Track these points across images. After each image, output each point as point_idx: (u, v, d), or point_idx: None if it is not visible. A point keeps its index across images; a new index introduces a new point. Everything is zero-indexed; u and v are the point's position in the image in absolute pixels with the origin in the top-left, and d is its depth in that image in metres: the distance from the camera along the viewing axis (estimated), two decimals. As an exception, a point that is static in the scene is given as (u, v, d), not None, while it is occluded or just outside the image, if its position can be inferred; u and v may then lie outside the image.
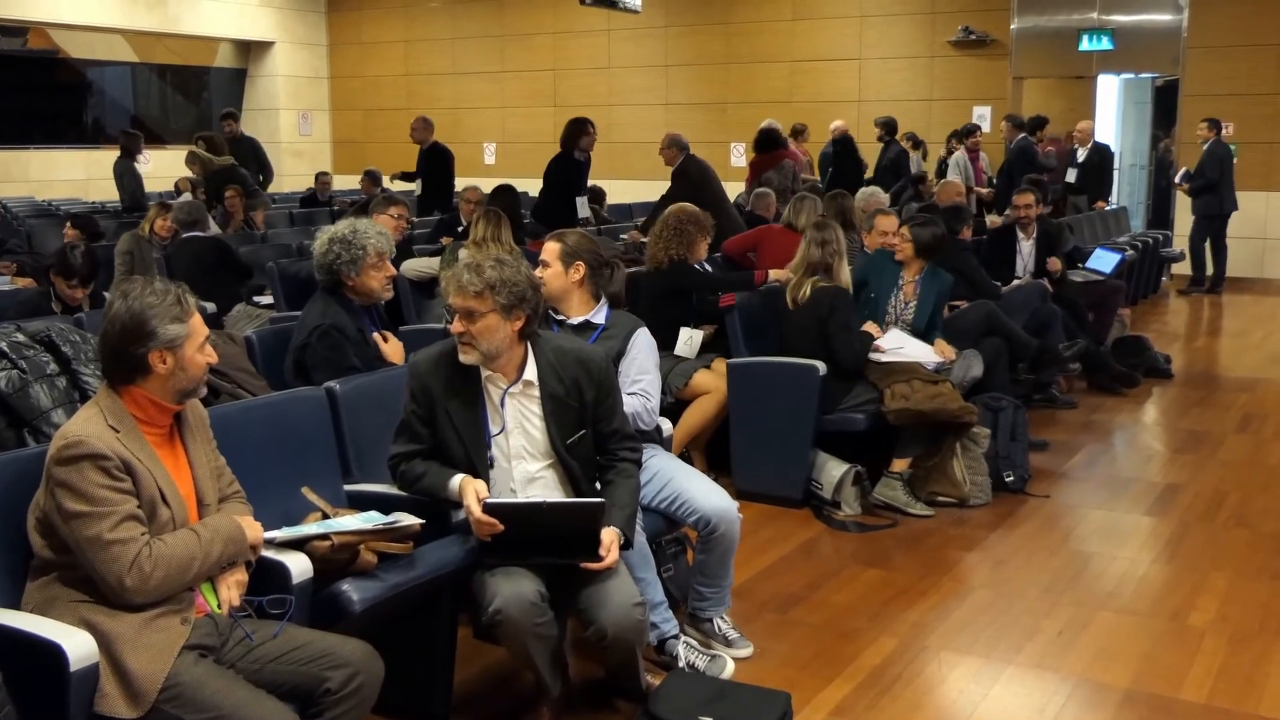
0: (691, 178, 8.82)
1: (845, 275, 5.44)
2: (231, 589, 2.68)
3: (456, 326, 3.17)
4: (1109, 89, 15.78)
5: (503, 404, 3.25)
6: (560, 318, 3.81)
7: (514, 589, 3.00)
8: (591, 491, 3.31)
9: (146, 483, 2.55)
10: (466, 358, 3.18)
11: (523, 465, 3.27)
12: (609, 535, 3.13)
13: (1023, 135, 11.73)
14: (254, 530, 2.74)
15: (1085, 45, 13.50)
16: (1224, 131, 12.10)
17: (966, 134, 12.21)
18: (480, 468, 3.22)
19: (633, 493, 3.34)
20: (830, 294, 5.28)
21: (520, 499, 3.21)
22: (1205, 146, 11.83)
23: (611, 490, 3.29)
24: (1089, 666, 3.77)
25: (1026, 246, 7.75)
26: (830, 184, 10.21)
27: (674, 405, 5.46)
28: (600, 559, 3.10)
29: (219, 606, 2.66)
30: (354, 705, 2.62)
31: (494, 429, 3.25)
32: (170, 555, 2.50)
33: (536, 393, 3.25)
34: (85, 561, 2.46)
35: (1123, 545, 4.90)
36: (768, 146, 10.34)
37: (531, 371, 3.25)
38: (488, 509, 3.04)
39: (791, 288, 5.39)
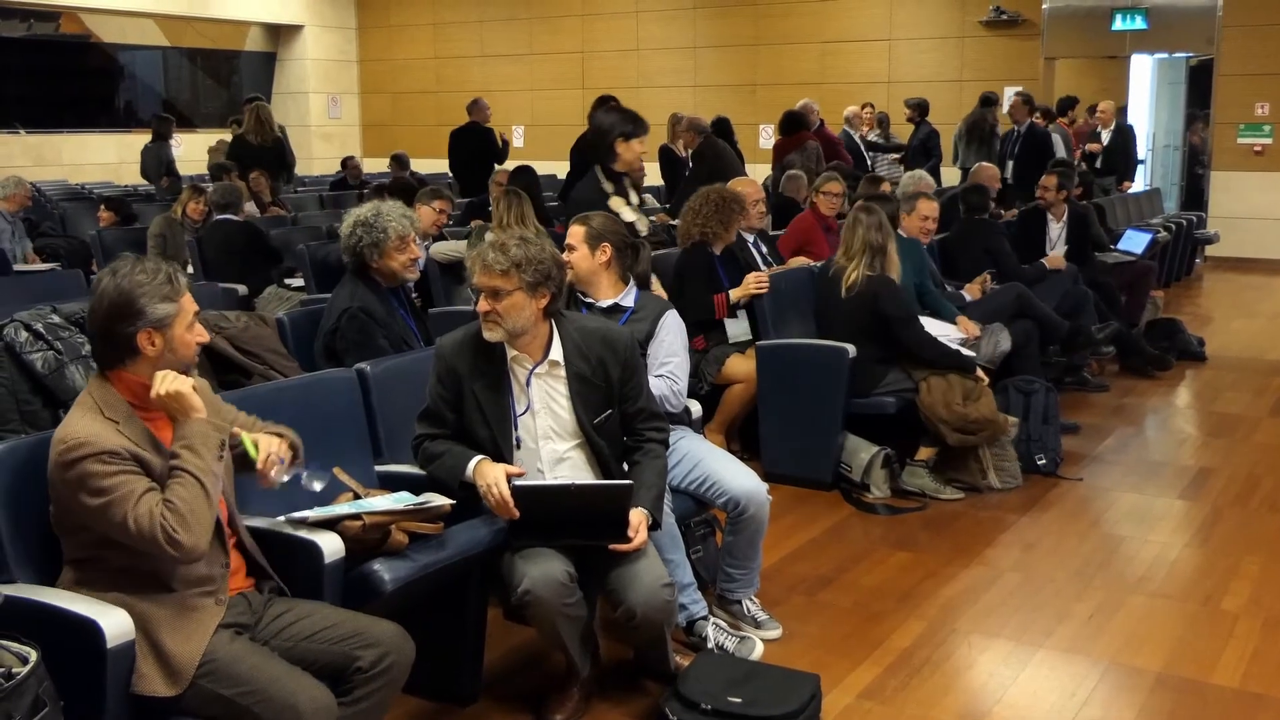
0: (708, 160, 8.81)
1: (895, 257, 5.36)
2: (272, 444, 2.71)
3: (482, 305, 3.16)
4: (1142, 69, 15.60)
5: (529, 384, 3.25)
6: (589, 300, 3.81)
7: (543, 570, 3.02)
8: (619, 471, 3.31)
9: (159, 477, 2.50)
10: (491, 335, 3.18)
11: (550, 445, 3.27)
12: (637, 516, 3.14)
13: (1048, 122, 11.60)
14: (171, 380, 2.52)
15: (1118, 25, 13.33)
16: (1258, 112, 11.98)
17: (1066, 108, 12.27)
18: (505, 449, 3.22)
19: (660, 473, 3.34)
20: (881, 284, 5.22)
21: (547, 481, 3.22)
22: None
23: (639, 471, 3.29)
24: (1120, 650, 3.76)
25: (1056, 229, 7.69)
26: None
27: (710, 392, 5.45)
28: (628, 540, 3.11)
29: (259, 460, 2.68)
30: (384, 684, 2.64)
31: (519, 409, 3.25)
32: (179, 505, 2.43)
33: (562, 372, 3.25)
34: (124, 540, 2.44)
35: (1154, 529, 4.86)
36: (791, 129, 10.30)
37: (557, 351, 3.25)
38: (515, 492, 3.04)
39: (845, 274, 5.29)
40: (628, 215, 4.76)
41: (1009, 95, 12.99)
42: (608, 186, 4.69)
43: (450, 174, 11.56)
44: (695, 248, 5.48)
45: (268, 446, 2.70)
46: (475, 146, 10.85)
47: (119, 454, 2.43)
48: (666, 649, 3.39)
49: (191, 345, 2.62)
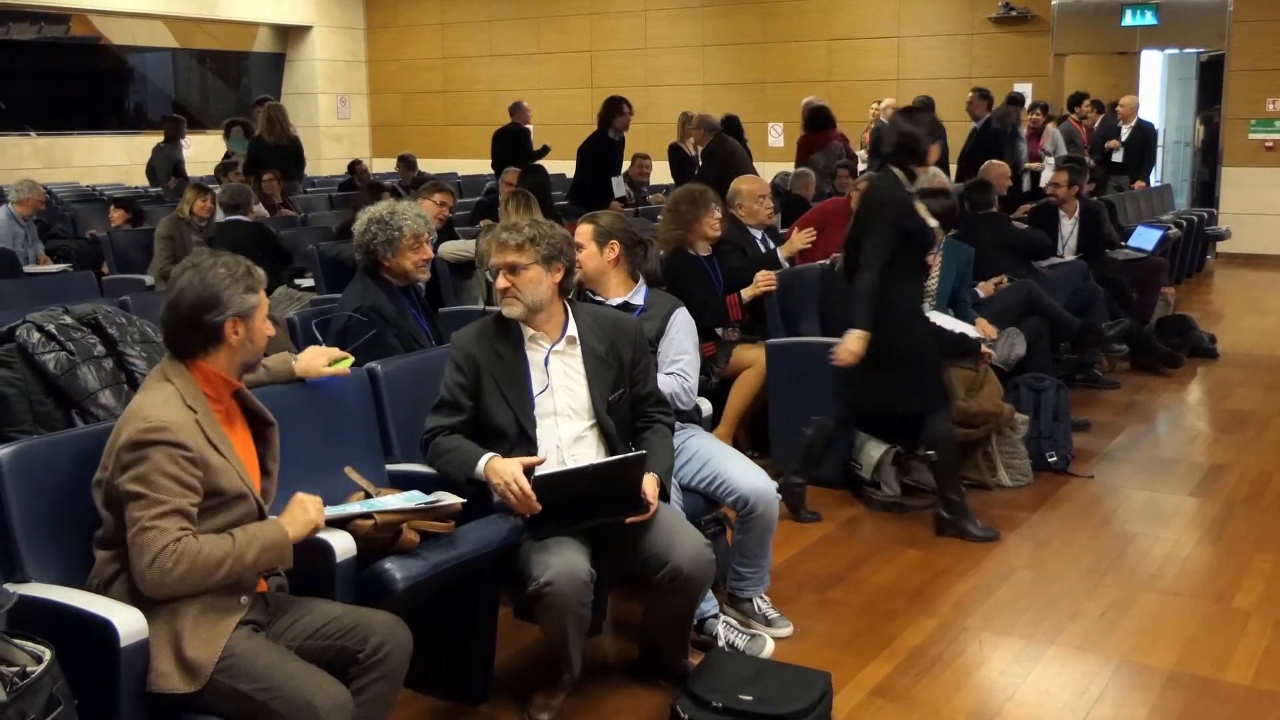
0: (718, 158, 8.81)
1: None
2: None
3: (501, 283, 3.27)
4: (1153, 65, 15.55)
5: (547, 363, 3.32)
6: (598, 299, 3.81)
7: (566, 564, 3.02)
8: (627, 451, 3.33)
9: (227, 476, 2.56)
10: (511, 311, 3.28)
11: (569, 424, 3.31)
12: (650, 482, 3.18)
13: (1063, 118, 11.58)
14: (311, 510, 2.69)
15: (1128, 20, 13.30)
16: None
17: (1074, 104, 12.24)
18: (528, 428, 3.26)
19: (669, 450, 3.42)
20: None
21: (566, 466, 3.22)
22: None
23: (647, 444, 3.35)
24: (1132, 648, 3.75)
25: (1068, 226, 7.67)
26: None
27: (719, 386, 5.45)
28: (645, 508, 3.14)
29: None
30: (383, 674, 2.63)
31: (537, 389, 3.30)
32: (199, 553, 2.45)
33: (579, 350, 3.33)
34: (127, 536, 2.47)
35: (1166, 526, 4.85)
36: (817, 125, 10.27)
37: (574, 328, 3.35)
38: (534, 484, 3.05)
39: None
40: (932, 221, 4.84)
41: (1020, 91, 12.99)
42: (911, 188, 4.70)
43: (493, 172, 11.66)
44: (675, 253, 5.44)
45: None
46: (513, 147, 10.88)
47: (189, 451, 2.48)
48: (688, 636, 3.40)
49: (264, 336, 2.73)
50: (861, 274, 4.52)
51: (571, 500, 3.09)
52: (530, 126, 11.48)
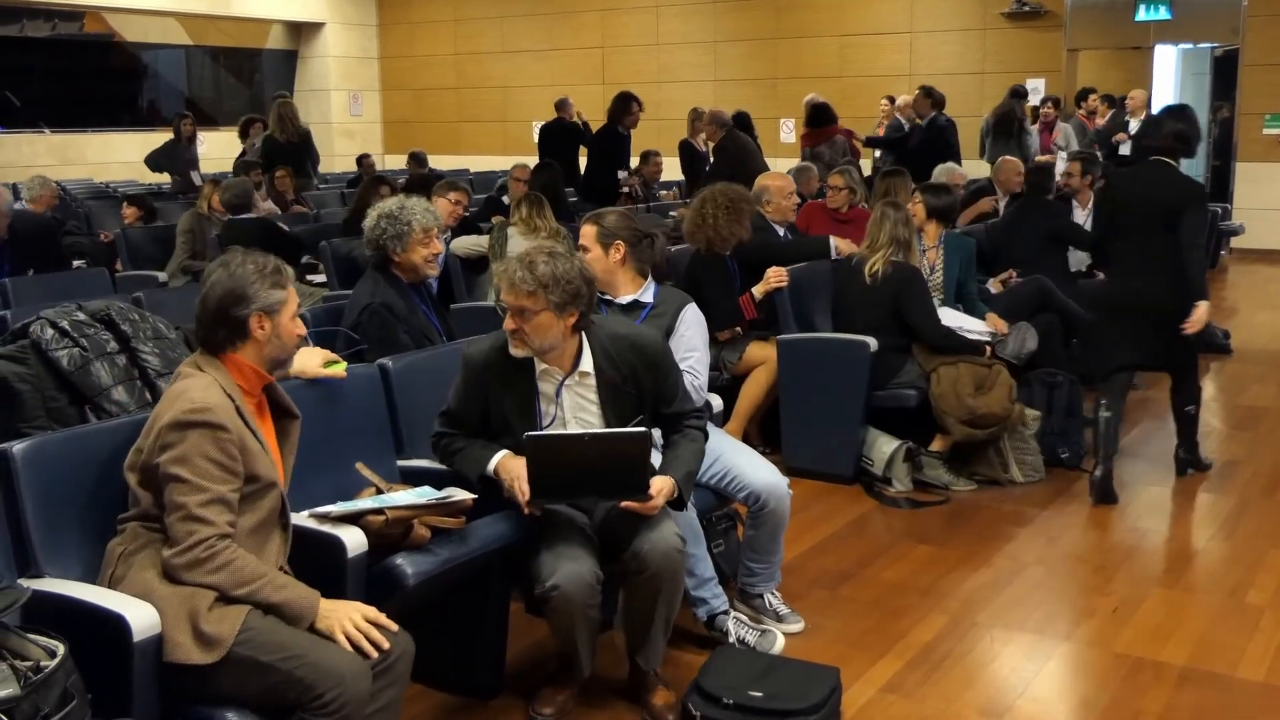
0: (730, 154, 8.82)
1: (917, 251, 5.49)
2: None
3: (509, 324, 3.12)
4: (1167, 59, 15.47)
5: (559, 394, 3.22)
6: (607, 298, 3.80)
7: (573, 567, 3.01)
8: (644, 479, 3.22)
9: (263, 463, 2.61)
10: (517, 351, 3.15)
11: None
12: (665, 483, 3.12)
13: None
14: (357, 617, 2.56)
15: (1142, 15, 13.23)
16: None
17: (1082, 97, 12.29)
18: None
19: (696, 455, 3.31)
20: (906, 271, 5.27)
21: (566, 431, 3.18)
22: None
23: (674, 448, 3.28)
24: (1145, 644, 3.74)
25: (1081, 216, 7.64)
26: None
27: (731, 383, 5.46)
28: (648, 498, 3.07)
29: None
30: (389, 682, 2.63)
31: (546, 421, 3.22)
32: (232, 561, 2.49)
33: (593, 382, 3.22)
34: (166, 517, 2.50)
35: (1179, 522, 4.84)
36: (819, 121, 10.27)
37: (588, 362, 3.21)
38: (530, 442, 2.99)
39: (869, 264, 5.30)
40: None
41: (1030, 87, 12.91)
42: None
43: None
44: (710, 256, 5.45)
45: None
46: (565, 141, 10.77)
47: (229, 434, 2.52)
48: (652, 638, 3.24)
49: (294, 335, 2.77)
50: (1190, 252, 5.00)
51: (569, 470, 3.01)
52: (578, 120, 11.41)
